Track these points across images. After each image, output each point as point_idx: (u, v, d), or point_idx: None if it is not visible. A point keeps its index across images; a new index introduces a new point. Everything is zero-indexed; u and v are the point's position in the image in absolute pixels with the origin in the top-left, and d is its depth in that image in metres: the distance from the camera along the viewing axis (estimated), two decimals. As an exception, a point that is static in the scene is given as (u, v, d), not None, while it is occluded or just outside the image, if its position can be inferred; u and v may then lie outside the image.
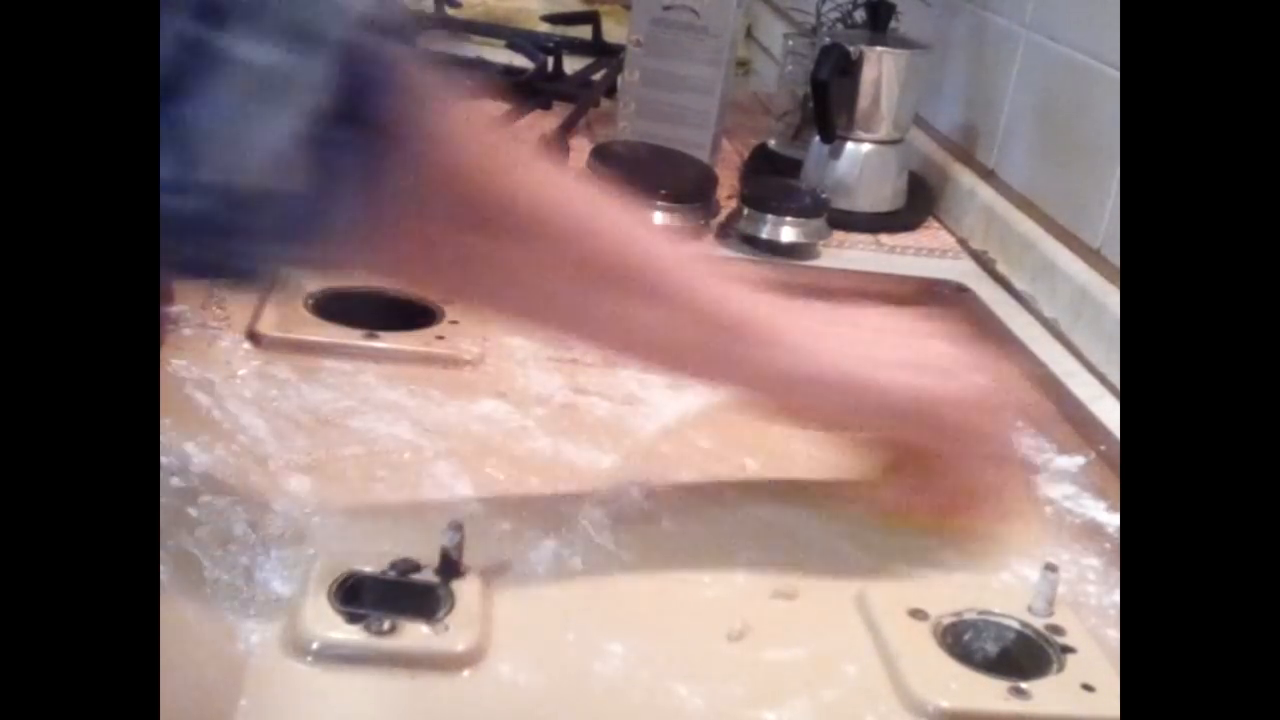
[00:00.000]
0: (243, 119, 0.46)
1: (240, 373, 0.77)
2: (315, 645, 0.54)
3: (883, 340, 0.68)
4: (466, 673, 0.55)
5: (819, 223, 1.10)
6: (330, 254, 0.55)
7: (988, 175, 1.20)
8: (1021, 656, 0.61)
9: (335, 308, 0.84)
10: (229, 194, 0.47)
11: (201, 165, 0.46)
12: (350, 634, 0.55)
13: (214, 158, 0.46)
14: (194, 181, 0.46)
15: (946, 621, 0.62)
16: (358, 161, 0.51)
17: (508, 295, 0.62)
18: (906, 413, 0.66)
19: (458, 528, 0.59)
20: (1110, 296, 0.94)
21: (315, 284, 0.87)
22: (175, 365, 0.77)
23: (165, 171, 0.44)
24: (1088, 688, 0.58)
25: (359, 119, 0.50)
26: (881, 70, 1.17)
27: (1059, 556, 0.69)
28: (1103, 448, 0.81)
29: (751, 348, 0.64)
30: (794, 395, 0.66)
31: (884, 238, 1.18)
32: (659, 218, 1.07)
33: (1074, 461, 0.81)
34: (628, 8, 1.33)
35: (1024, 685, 0.58)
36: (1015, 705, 0.57)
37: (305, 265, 0.62)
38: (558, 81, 1.47)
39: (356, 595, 0.57)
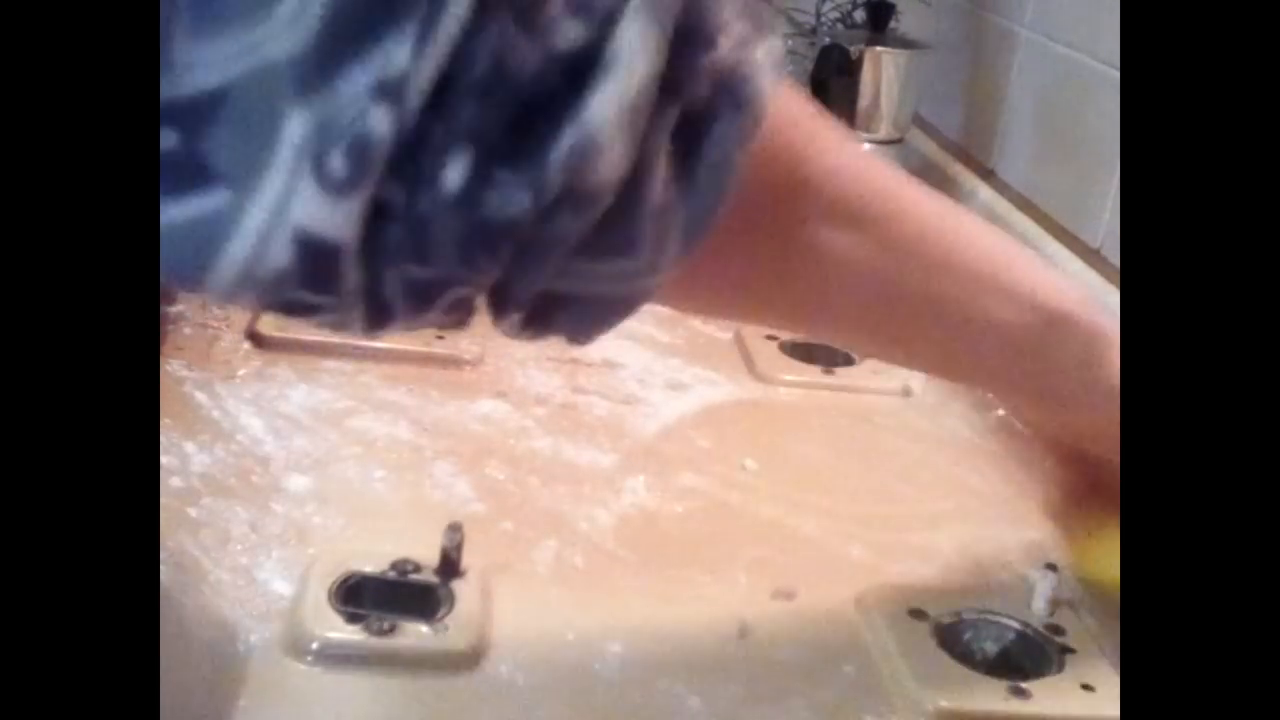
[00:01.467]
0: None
1: (240, 373, 0.77)
2: (315, 645, 0.55)
3: None
4: (466, 672, 0.55)
5: (819, 222, 1.10)
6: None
7: (987, 175, 1.20)
8: (1021, 656, 0.61)
9: (335, 307, 0.84)
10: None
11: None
12: (350, 634, 0.55)
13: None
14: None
15: (946, 621, 0.62)
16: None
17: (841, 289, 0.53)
18: None
19: (457, 528, 0.59)
20: (1110, 296, 0.94)
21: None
22: (175, 365, 0.77)
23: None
24: (1087, 688, 0.58)
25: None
26: (881, 70, 1.17)
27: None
28: (1102, 448, 0.81)
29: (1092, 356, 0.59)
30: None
31: (884, 237, 1.18)
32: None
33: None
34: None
35: (1024, 685, 0.58)
36: (1015, 705, 0.57)
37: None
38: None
39: (356, 595, 0.57)
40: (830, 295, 0.54)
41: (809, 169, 0.50)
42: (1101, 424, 0.60)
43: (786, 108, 0.48)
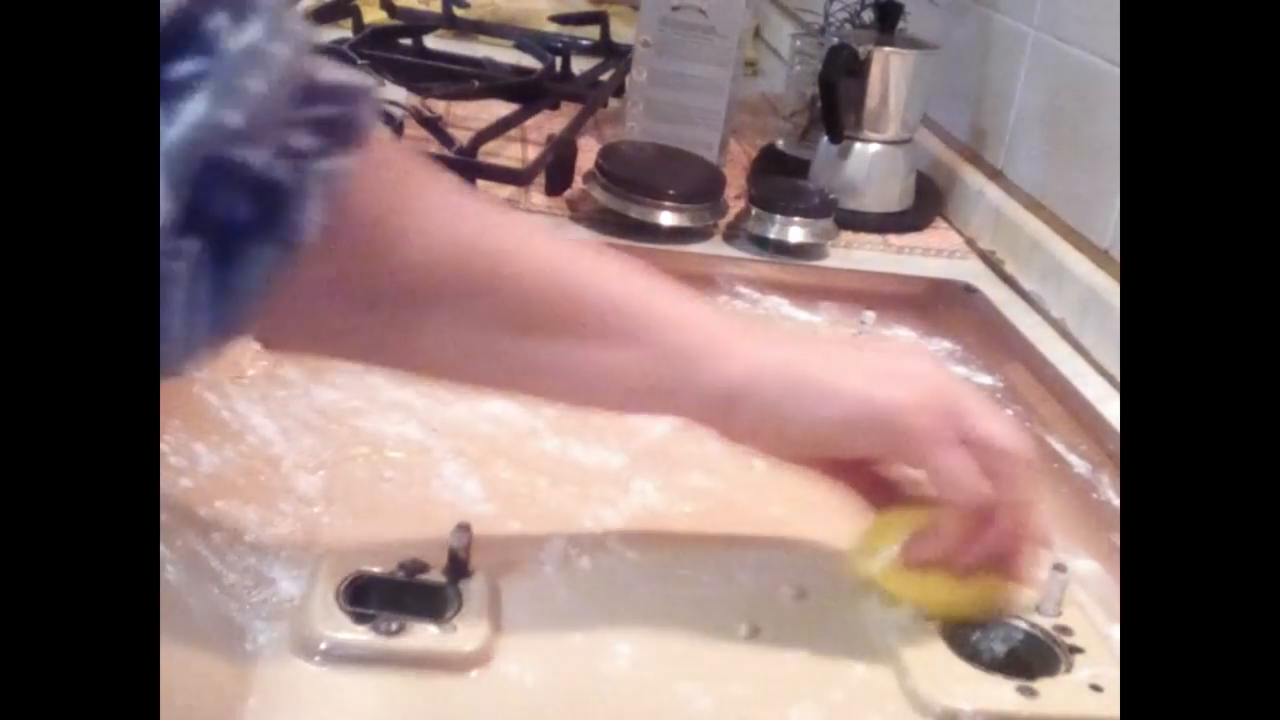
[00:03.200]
0: None
1: (249, 373, 0.77)
2: (323, 645, 0.55)
3: (861, 353, 0.63)
4: (474, 673, 0.55)
5: (827, 223, 1.10)
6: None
7: (996, 175, 1.20)
8: (1029, 656, 0.61)
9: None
10: None
11: None
12: (358, 634, 0.55)
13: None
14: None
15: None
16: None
17: (437, 358, 0.58)
18: (895, 428, 0.59)
19: (466, 528, 0.59)
20: (1118, 297, 0.94)
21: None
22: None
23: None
24: (1095, 688, 0.58)
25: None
26: (889, 70, 1.17)
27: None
28: (1111, 448, 0.81)
29: (708, 368, 0.59)
30: (748, 412, 0.59)
31: (892, 238, 1.18)
32: (667, 218, 1.07)
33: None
34: (636, 8, 1.33)
35: (1032, 685, 0.58)
36: (1023, 705, 0.57)
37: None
38: (566, 82, 1.47)
39: (364, 595, 0.57)
40: (431, 364, 0.60)
41: (401, 251, 0.54)
42: (781, 432, 0.61)
43: (378, 194, 0.53)
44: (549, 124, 1.29)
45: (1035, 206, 1.12)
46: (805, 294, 1.01)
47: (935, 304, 1.04)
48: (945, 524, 0.59)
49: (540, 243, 0.59)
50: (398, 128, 1.15)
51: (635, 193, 1.08)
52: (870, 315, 0.94)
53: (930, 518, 0.60)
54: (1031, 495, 0.59)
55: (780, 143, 1.37)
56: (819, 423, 0.59)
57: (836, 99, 1.16)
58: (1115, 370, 0.93)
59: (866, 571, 0.62)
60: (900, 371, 0.60)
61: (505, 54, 1.56)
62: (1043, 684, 0.58)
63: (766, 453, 0.63)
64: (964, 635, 0.61)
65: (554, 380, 0.59)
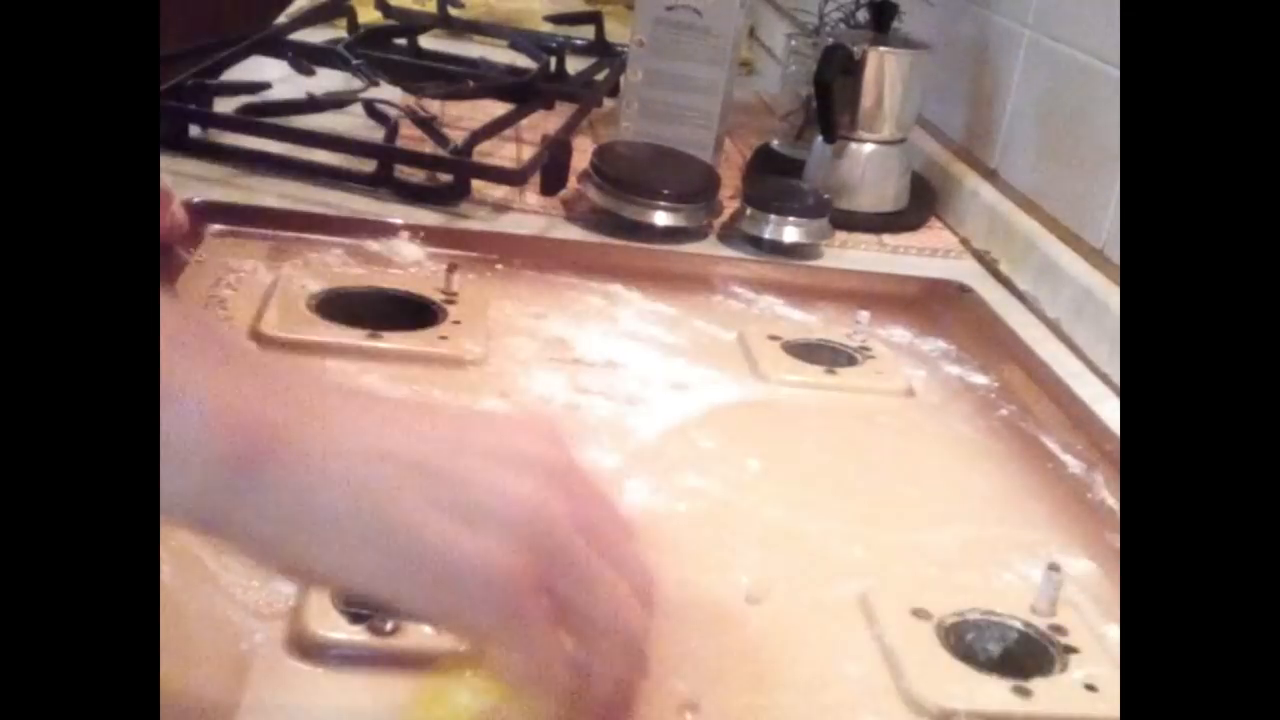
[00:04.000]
0: None
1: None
2: (319, 645, 0.54)
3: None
4: (468, 674, 0.55)
5: (822, 223, 1.10)
6: None
7: (990, 175, 1.20)
8: (1024, 656, 0.61)
9: (338, 308, 0.85)
10: None
11: None
12: (353, 634, 0.55)
13: None
14: None
15: (949, 621, 0.62)
16: None
17: None
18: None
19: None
20: (1113, 297, 0.94)
21: (318, 284, 0.87)
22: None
23: None
24: (1090, 688, 0.58)
25: None
26: (884, 70, 1.17)
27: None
28: (1106, 448, 0.81)
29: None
30: (275, 543, 0.45)
31: (887, 238, 1.18)
32: (661, 218, 1.07)
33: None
34: (630, 8, 1.33)
35: (1027, 685, 0.58)
36: (1018, 705, 0.57)
37: None
38: (560, 81, 1.47)
39: (360, 596, 0.57)
40: None
41: None
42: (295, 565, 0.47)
43: None
44: (544, 124, 1.28)
45: (1030, 206, 1.12)
46: (800, 294, 1.01)
47: (930, 304, 1.04)
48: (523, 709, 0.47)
49: None
50: (393, 128, 1.15)
51: (630, 193, 1.08)
52: (865, 315, 0.94)
53: (501, 697, 0.48)
54: (632, 675, 0.49)
55: (775, 143, 1.37)
56: (352, 574, 0.45)
57: (831, 99, 1.16)
58: (1110, 370, 0.93)
59: None
60: (498, 509, 0.45)
61: (500, 54, 1.56)
62: (1037, 684, 0.58)
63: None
64: (959, 635, 0.61)
65: None
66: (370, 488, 0.44)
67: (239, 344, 0.48)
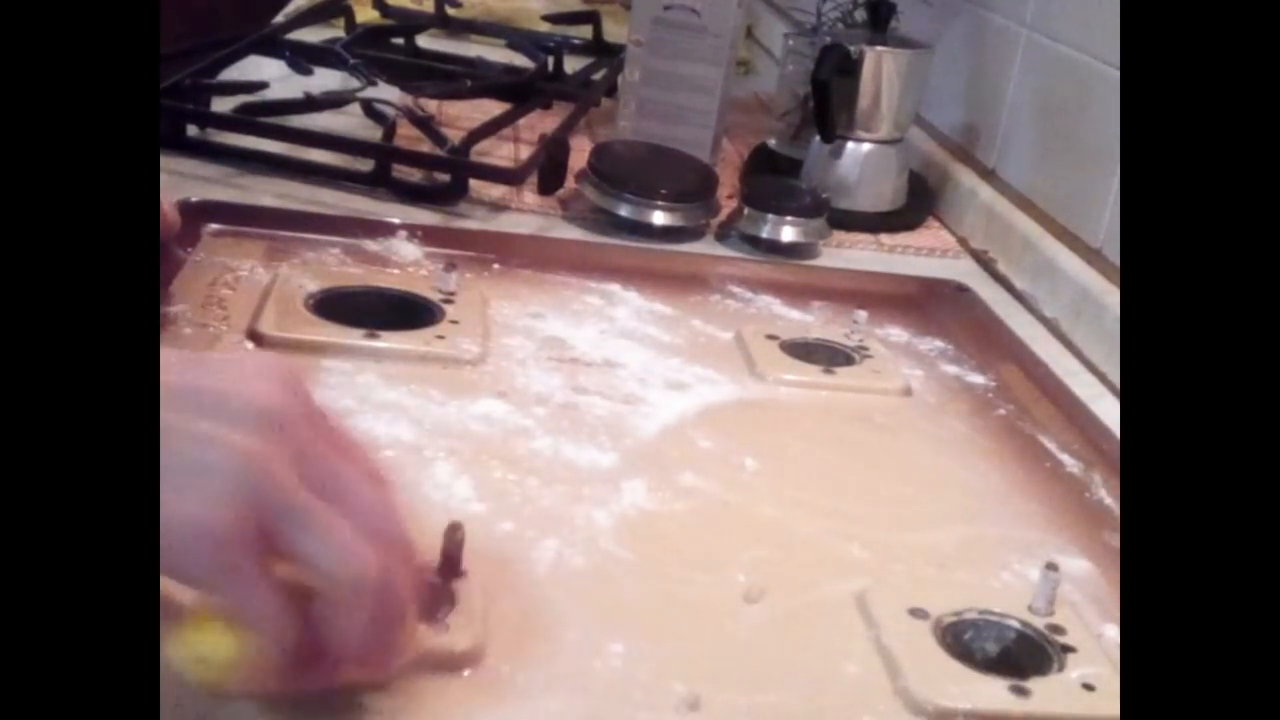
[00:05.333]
0: None
1: (241, 373, 0.77)
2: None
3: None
4: (466, 672, 0.55)
5: (819, 222, 1.10)
6: None
7: (988, 175, 1.20)
8: (1022, 656, 0.61)
9: (335, 307, 0.84)
10: None
11: None
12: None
13: None
14: None
15: (947, 621, 0.62)
16: None
17: None
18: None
19: (458, 528, 0.59)
20: (1110, 296, 0.94)
21: (315, 284, 0.87)
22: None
23: None
24: (1088, 687, 0.58)
25: None
26: (882, 70, 1.17)
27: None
28: (1104, 447, 0.81)
29: None
30: None
31: (884, 237, 1.18)
32: (659, 217, 1.07)
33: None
34: (628, 7, 1.33)
35: (1024, 684, 0.58)
36: (1016, 705, 0.57)
37: None
38: (558, 81, 1.47)
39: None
40: None
41: None
42: None
43: None
44: (541, 123, 1.28)
45: (1028, 206, 1.12)
46: (798, 294, 1.01)
47: (928, 303, 1.04)
48: (245, 661, 0.47)
49: None
50: (390, 128, 1.15)
51: (627, 192, 1.08)
52: (862, 315, 0.94)
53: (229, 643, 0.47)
54: (355, 618, 0.48)
55: (773, 142, 1.37)
56: None
57: (829, 98, 1.16)
58: (1108, 369, 0.93)
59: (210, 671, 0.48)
60: (209, 452, 0.45)
61: (497, 53, 1.55)
62: (1035, 683, 0.58)
63: None
64: (957, 634, 0.61)
65: None
66: None
67: None
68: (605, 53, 1.58)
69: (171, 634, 0.47)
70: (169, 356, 0.46)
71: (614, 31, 1.64)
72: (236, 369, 0.49)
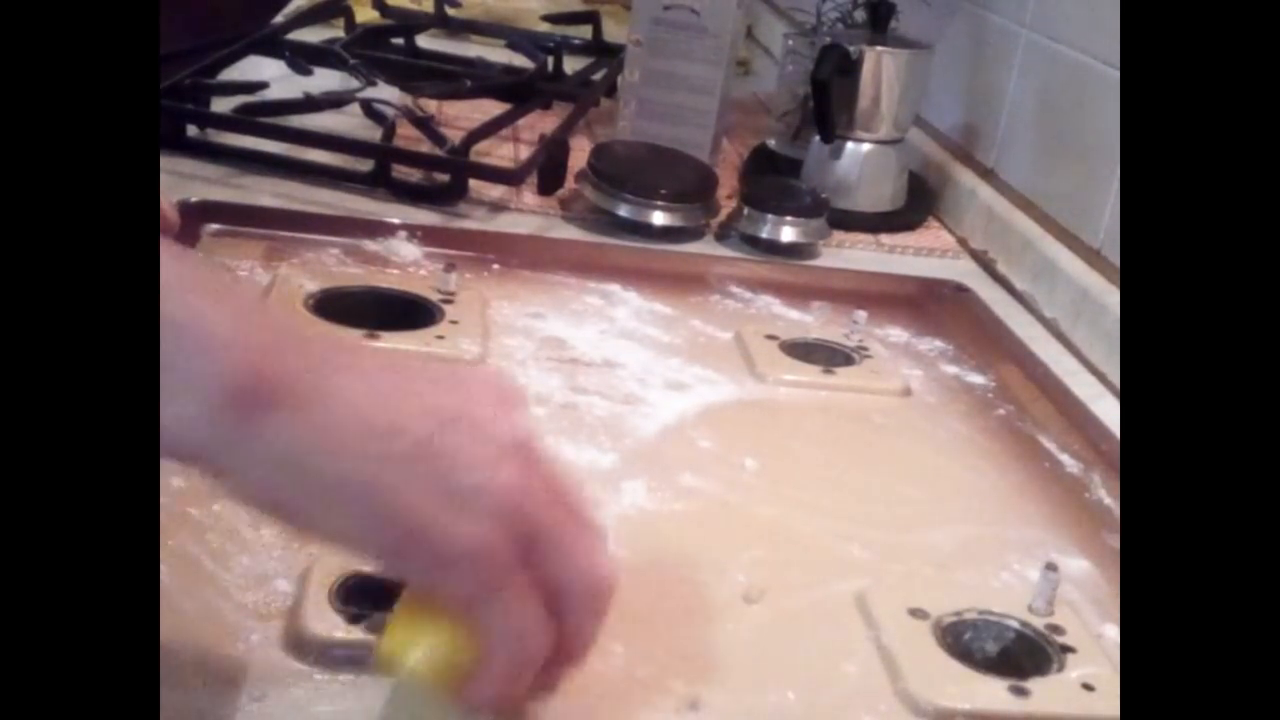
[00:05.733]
0: None
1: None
2: (316, 645, 0.55)
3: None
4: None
5: (819, 223, 1.10)
6: None
7: (988, 175, 1.20)
8: (1022, 656, 0.61)
9: (335, 308, 0.84)
10: None
11: None
12: (351, 634, 0.55)
13: None
14: None
15: (947, 621, 0.62)
16: None
17: None
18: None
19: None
20: (1110, 296, 0.94)
21: (315, 284, 0.87)
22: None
23: None
24: (1088, 687, 0.59)
25: None
26: (881, 70, 1.17)
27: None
28: (1103, 447, 0.81)
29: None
30: (274, 493, 0.47)
31: (884, 237, 1.18)
32: (659, 217, 1.07)
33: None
34: (628, 7, 1.33)
35: (1024, 685, 0.58)
36: (1015, 705, 0.57)
37: None
38: (558, 81, 1.47)
39: (357, 595, 0.57)
40: None
41: None
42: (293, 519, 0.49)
43: None
44: (541, 123, 1.28)
45: (1027, 206, 1.12)
46: (797, 294, 1.01)
47: (927, 304, 1.04)
48: (505, 668, 0.49)
49: None
50: (390, 128, 1.15)
51: (627, 192, 1.08)
52: (862, 315, 0.94)
53: (472, 649, 0.48)
54: (597, 620, 0.51)
55: (772, 142, 1.37)
56: (341, 538, 0.49)
57: (828, 99, 1.16)
58: (1107, 370, 0.93)
59: (405, 668, 0.50)
60: (480, 490, 0.47)
61: (497, 53, 1.55)
62: (1035, 683, 0.58)
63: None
64: (956, 634, 0.61)
65: None
66: (362, 466, 0.46)
67: (251, 293, 0.51)
68: (605, 53, 1.58)
69: (388, 647, 0.50)
70: (427, 378, 0.50)
71: (614, 31, 1.64)
72: (469, 388, 0.50)
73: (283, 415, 0.45)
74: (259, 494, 0.47)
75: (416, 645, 0.49)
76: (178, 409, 0.43)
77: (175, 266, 0.44)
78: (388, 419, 0.46)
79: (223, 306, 0.45)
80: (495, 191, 1.11)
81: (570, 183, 1.13)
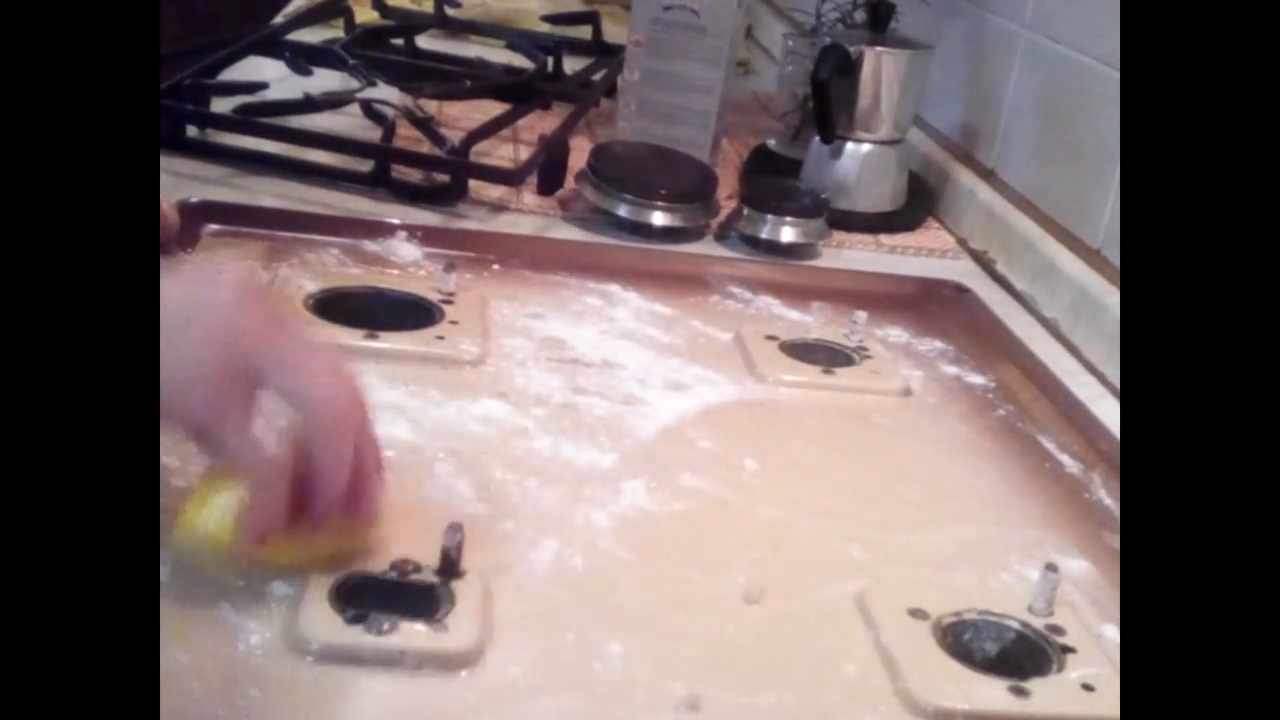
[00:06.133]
0: None
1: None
2: (315, 645, 0.55)
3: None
4: (466, 673, 0.55)
5: (819, 223, 1.10)
6: None
7: (987, 175, 1.20)
8: (1021, 656, 0.61)
9: (335, 308, 0.84)
10: None
11: None
12: (350, 634, 0.55)
13: None
14: None
15: (947, 621, 0.62)
16: None
17: None
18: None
19: (458, 528, 0.59)
20: (1110, 296, 0.94)
21: (315, 284, 0.87)
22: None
23: None
24: (1087, 687, 0.58)
25: None
26: (881, 70, 1.17)
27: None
28: (1103, 447, 0.81)
29: None
30: None
31: (884, 238, 1.18)
32: (658, 218, 1.07)
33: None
34: (628, 8, 1.33)
35: (1024, 685, 0.58)
36: (1015, 705, 0.57)
37: None
38: (558, 81, 1.47)
39: (357, 595, 0.57)
40: None
41: None
42: None
43: None
44: (541, 124, 1.28)
45: (1027, 206, 1.12)
46: (797, 294, 1.01)
47: (927, 304, 1.04)
48: (262, 493, 0.54)
49: None
50: (390, 128, 1.15)
51: (627, 192, 1.08)
52: (862, 315, 0.94)
53: (247, 487, 0.54)
54: (345, 442, 0.55)
55: (772, 143, 1.37)
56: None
57: (828, 99, 1.16)
58: (1107, 370, 0.93)
59: (209, 547, 0.55)
60: (184, 317, 0.52)
61: (497, 54, 1.55)
62: (1035, 684, 0.58)
63: None
64: (956, 635, 0.61)
65: None
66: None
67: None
68: (605, 53, 1.58)
69: (178, 524, 0.54)
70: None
71: (614, 32, 1.64)
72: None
73: None
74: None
75: (199, 513, 0.55)
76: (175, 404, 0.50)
77: None
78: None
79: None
80: (495, 192, 1.11)
81: (570, 183, 1.13)
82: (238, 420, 0.53)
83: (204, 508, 0.55)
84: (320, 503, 0.55)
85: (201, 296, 0.53)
